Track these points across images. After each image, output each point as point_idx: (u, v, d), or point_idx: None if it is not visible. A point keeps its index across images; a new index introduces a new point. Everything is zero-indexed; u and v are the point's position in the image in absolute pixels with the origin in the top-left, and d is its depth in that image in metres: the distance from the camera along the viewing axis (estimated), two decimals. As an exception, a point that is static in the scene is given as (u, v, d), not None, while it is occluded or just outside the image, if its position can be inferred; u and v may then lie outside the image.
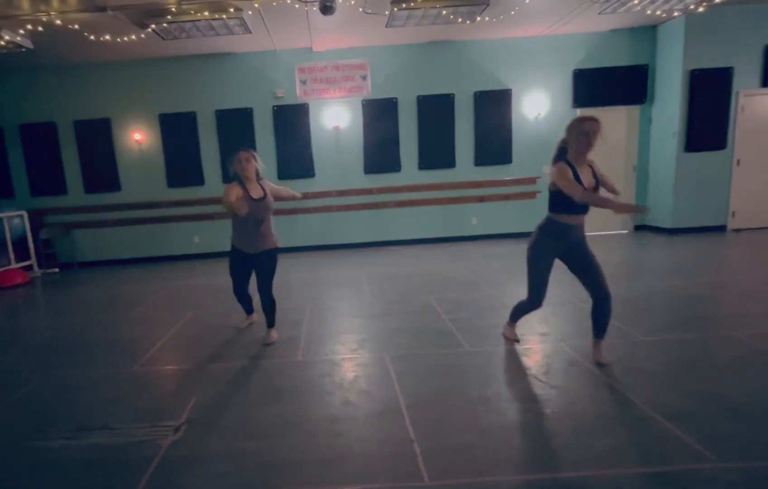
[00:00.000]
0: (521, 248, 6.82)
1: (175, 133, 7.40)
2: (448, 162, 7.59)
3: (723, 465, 1.89)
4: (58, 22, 5.24)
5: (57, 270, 7.39)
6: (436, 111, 7.44)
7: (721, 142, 7.00)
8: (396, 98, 7.39)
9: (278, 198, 3.66)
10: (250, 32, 6.12)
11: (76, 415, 2.65)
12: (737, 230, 7.23)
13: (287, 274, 5.91)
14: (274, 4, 5.27)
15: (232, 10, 5.38)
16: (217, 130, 7.41)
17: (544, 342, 3.31)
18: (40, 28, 5.40)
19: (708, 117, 6.90)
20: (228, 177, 7.50)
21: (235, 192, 3.26)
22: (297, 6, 5.34)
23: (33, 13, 5.09)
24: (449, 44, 7.28)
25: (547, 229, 2.89)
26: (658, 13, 6.32)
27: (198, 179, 7.52)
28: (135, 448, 2.26)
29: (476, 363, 3.03)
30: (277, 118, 7.37)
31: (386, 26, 6.23)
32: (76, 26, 5.44)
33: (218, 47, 6.86)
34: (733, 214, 7.26)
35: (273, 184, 3.65)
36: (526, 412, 2.39)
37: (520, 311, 3.23)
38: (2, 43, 5.63)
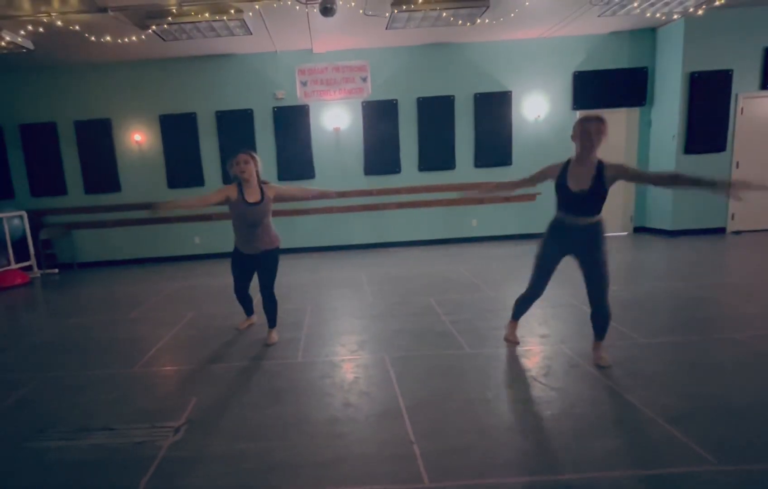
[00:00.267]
0: (521, 250, 6.89)
1: (176, 134, 7.41)
2: (448, 164, 7.60)
3: (722, 467, 1.89)
4: (59, 23, 5.24)
5: (57, 270, 7.38)
6: (436, 113, 7.45)
7: (721, 144, 7.02)
8: (396, 100, 7.41)
9: (293, 199, 3.67)
10: (251, 33, 6.13)
11: (76, 415, 2.65)
12: (737, 232, 7.25)
13: (287, 275, 5.91)
14: (275, 5, 5.29)
15: (232, 11, 5.39)
16: (218, 131, 7.42)
17: (545, 344, 3.32)
18: (40, 29, 5.41)
19: (707, 119, 6.91)
20: (228, 178, 7.49)
21: (224, 193, 3.31)
22: (297, 7, 5.35)
23: (34, 14, 5.10)
24: (449, 46, 7.30)
25: (550, 223, 2.98)
26: (658, 15, 6.33)
27: (198, 180, 7.52)
28: (135, 449, 2.26)
29: (476, 364, 3.03)
30: (278, 120, 7.38)
31: (386, 28, 6.24)
32: (77, 27, 5.45)
33: (219, 48, 6.87)
34: (733, 217, 7.27)
35: (283, 187, 3.65)
36: (526, 413, 2.40)
37: (520, 304, 3.25)
38: (3, 43, 5.63)
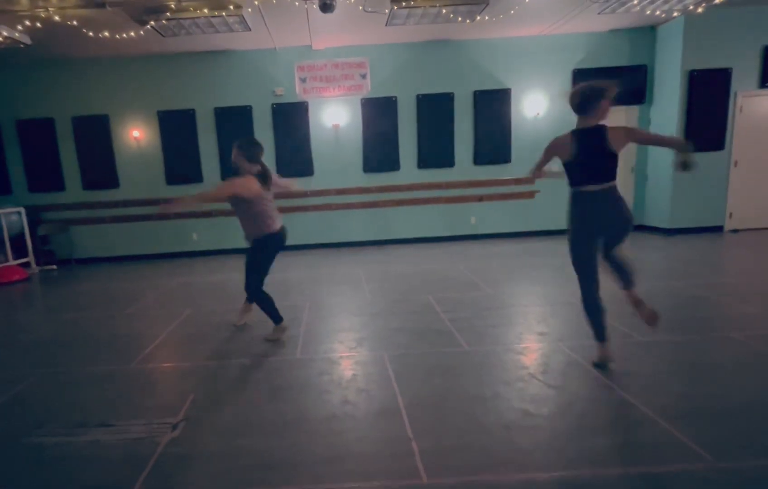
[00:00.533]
0: (520, 248, 6.91)
1: (174, 131, 7.38)
2: (448, 161, 7.59)
3: (719, 465, 1.90)
4: (57, 17, 5.21)
5: (54, 267, 7.36)
6: (435, 110, 7.44)
7: (719, 142, 7.02)
8: (395, 97, 7.39)
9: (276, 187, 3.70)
10: (250, 30, 6.11)
11: (73, 412, 2.64)
12: (734, 231, 7.26)
13: (286, 272, 5.90)
14: (274, 1, 5.26)
15: (231, 7, 5.36)
16: (216, 127, 7.40)
17: (543, 342, 3.32)
18: (38, 24, 5.39)
19: (706, 117, 6.92)
20: (226, 175, 7.44)
21: (250, 181, 3.31)
22: (297, 3, 5.33)
23: (31, 9, 5.06)
24: (449, 43, 7.28)
25: (570, 205, 2.78)
26: (658, 13, 6.33)
27: (197, 176, 7.51)
28: (132, 446, 2.26)
29: (474, 362, 3.03)
30: (277, 116, 7.36)
31: (386, 25, 6.22)
32: (75, 22, 5.42)
33: (218, 45, 6.84)
34: (731, 215, 7.28)
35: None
36: (523, 411, 2.40)
37: (592, 318, 2.84)
38: (0, 38, 5.60)
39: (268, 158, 7.37)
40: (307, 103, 7.36)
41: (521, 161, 7.60)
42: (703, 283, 4.58)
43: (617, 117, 7.53)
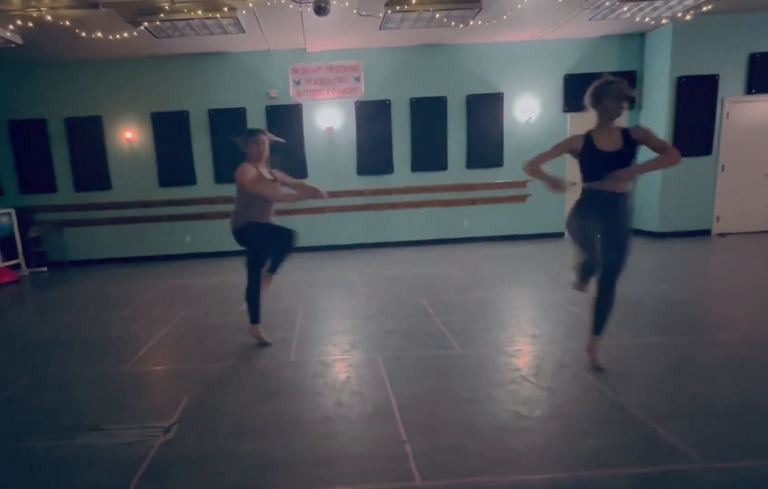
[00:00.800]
0: (513, 251, 6.96)
1: (168, 132, 7.36)
2: (441, 164, 7.64)
3: (707, 465, 1.94)
4: (49, 17, 5.18)
5: (45, 269, 7.29)
6: (428, 113, 7.49)
7: (707, 147, 7.15)
8: (389, 100, 7.43)
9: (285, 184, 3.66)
10: (244, 32, 6.11)
11: (65, 415, 2.62)
12: (722, 235, 7.38)
13: (280, 276, 5.88)
14: (268, 3, 5.27)
15: (225, 9, 5.36)
16: (210, 129, 7.38)
17: (535, 344, 3.36)
18: (30, 24, 5.34)
19: (694, 123, 7.04)
20: (220, 177, 7.41)
21: (252, 169, 3.34)
22: (291, 6, 5.34)
23: (23, 9, 5.03)
24: (442, 47, 7.33)
25: (577, 201, 2.80)
26: (647, 20, 6.43)
27: (190, 179, 7.48)
28: (125, 449, 2.25)
29: (467, 364, 3.06)
30: (271, 119, 7.35)
31: (380, 28, 6.26)
32: (68, 22, 5.38)
33: (212, 46, 6.83)
34: (718, 219, 7.40)
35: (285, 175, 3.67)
36: (516, 413, 2.43)
37: (595, 317, 2.85)
38: (-9, 38, 5.55)
39: (262, 160, 7.35)
40: (301, 105, 7.37)
41: (513, 165, 7.66)
42: (691, 286, 4.65)
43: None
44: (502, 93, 7.49)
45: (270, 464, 2.09)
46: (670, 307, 4.07)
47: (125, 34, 5.92)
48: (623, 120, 2.71)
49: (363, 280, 5.57)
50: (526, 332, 3.61)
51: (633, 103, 2.48)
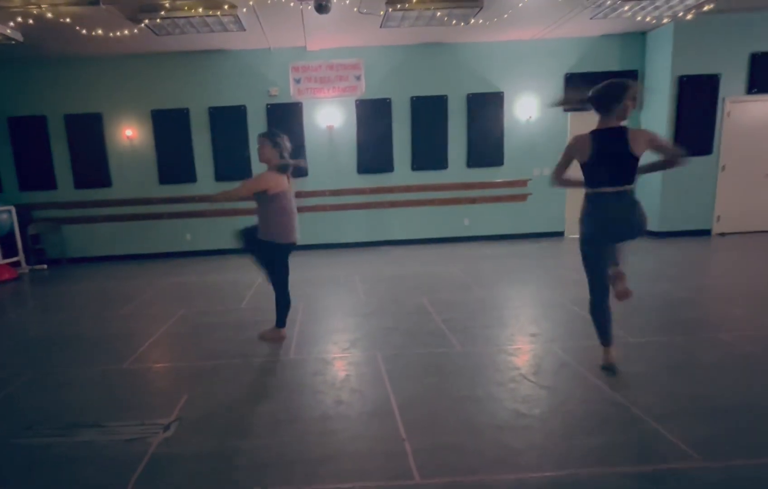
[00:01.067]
0: (513, 250, 6.96)
1: (168, 130, 7.35)
2: (441, 163, 7.63)
3: (707, 464, 1.94)
4: (49, 14, 5.17)
5: (45, 266, 7.29)
6: (429, 112, 7.48)
7: (707, 147, 7.13)
8: (390, 99, 7.42)
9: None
10: (245, 30, 6.10)
11: (65, 412, 2.63)
12: (722, 234, 7.38)
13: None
14: (269, 1, 5.26)
15: (226, 7, 5.35)
16: (210, 127, 7.37)
17: (535, 343, 3.36)
18: (30, 21, 5.33)
19: (695, 122, 7.02)
20: (220, 175, 7.39)
21: (277, 176, 3.27)
22: (292, 4, 5.33)
23: (23, 6, 5.02)
24: (443, 46, 7.32)
25: (585, 207, 2.71)
26: (648, 19, 6.42)
27: (190, 176, 7.47)
28: (124, 446, 2.25)
29: (467, 363, 3.06)
30: (271, 117, 7.34)
31: (381, 27, 6.25)
32: (68, 19, 5.37)
33: (212, 44, 6.82)
34: (718, 219, 7.40)
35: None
36: (515, 411, 2.43)
37: (597, 321, 2.82)
38: (-9, 35, 5.55)
39: (262, 159, 7.34)
40: (301, 104, 7.36)
41: (513, 164, 7.66)
42: (690, 285, 4.65)
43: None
44: (503, 92, 7.48)
45: (269, 462, 2.09)
46: (670, 306, 4.07)
47: (126, 32, 5.91)
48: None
49: (363, 278, 5.57)
50: (526, 331, 3.61)
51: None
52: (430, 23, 6.13)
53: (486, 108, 7.49)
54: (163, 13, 5.34)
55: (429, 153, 7.60)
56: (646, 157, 2.57)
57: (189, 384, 2.92)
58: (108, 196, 7.51)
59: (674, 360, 2.97)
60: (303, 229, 8.27)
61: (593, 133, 2.62)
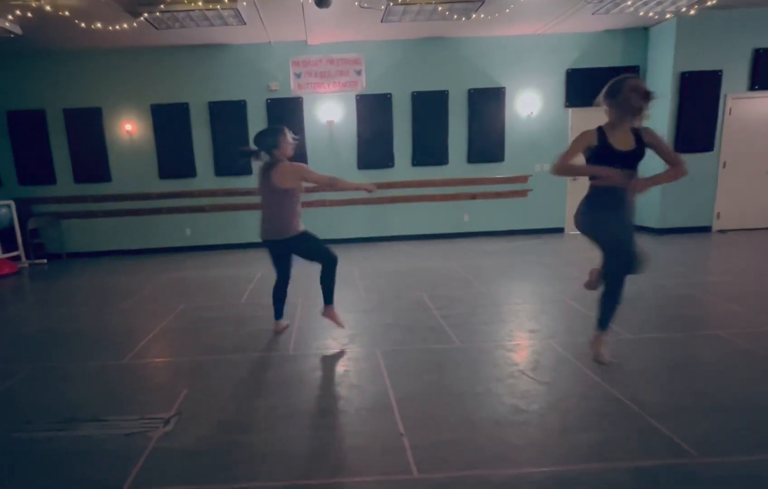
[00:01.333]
0: (513, 246, 6.95)
1: (167, 124, 7.33)
2: (442, 159, 7.61)
3: (703, 460, 1.94)
4: (48, 7, 5.15)
5: (45, 261, 7.29)
6: (430, 107, 7.46)
7: (709, 144, 7.12)
8: (390, 94, 7.39)
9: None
10: (245, 23, 6.07)
11: (64, 407, 2.63)
12: (722, 231, 7.37)
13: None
14: (269, -5, 5.24)
15: (226, 0, 5.33)
16: (210, 122, 7.36)
17: (534, 339, 3.36)
18: (29, 14, 5.31)
19: (696, 119, 7.00)
20: (220, 170, 7.38)
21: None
22: (292, -2, 5.31)
23: (22, -1, 5.00)
24: (444, 41, 7.29)
25: (595, 200, 2.75)
26: (651, 14, 6.38)
27: (190, 171, 7.46)
28: (124, 441, 2.26)
29: (466, 359, 3.06)
30: (271, 112, 7.33)
31: (382, 21, 6.22)
32: (67, 13, 5.35)
33: (212, 38, 6.79)
34: (719, 216, 7.39)
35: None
36: (514, 407, 2.43)
37: (602, 311, 2.85)
38: (-10, 28, 5.53)
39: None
40: (301, 98, 7.34)
41: (514, 160, 7.65)
42: (690, 282, 4.65)
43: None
44: (504, 87, 7.45)
45: (268, 456, 2.09)
46: (669, 302, 4.07)
47: (125, 25, 5.88)
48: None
49: (363, 273, 5.57)
50: (525, 327, 3.61)
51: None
52: (432, 18, 6.10)
53: (487, 103, 7.47)
54: (162, 6, 5.32)
55: (429, 148, 7.58)
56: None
57: (189, 379, 2.93)
58: (107, 191, 7.50)
59: (673, 357, 2.97)
60: (303, 224, 8.23)
61: (603, 128, 2.67)
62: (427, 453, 2.07)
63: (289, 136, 3.34)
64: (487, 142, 7.59)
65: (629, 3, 5.87)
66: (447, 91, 7.43)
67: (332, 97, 7.38)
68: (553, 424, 2.26)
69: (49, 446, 2.25)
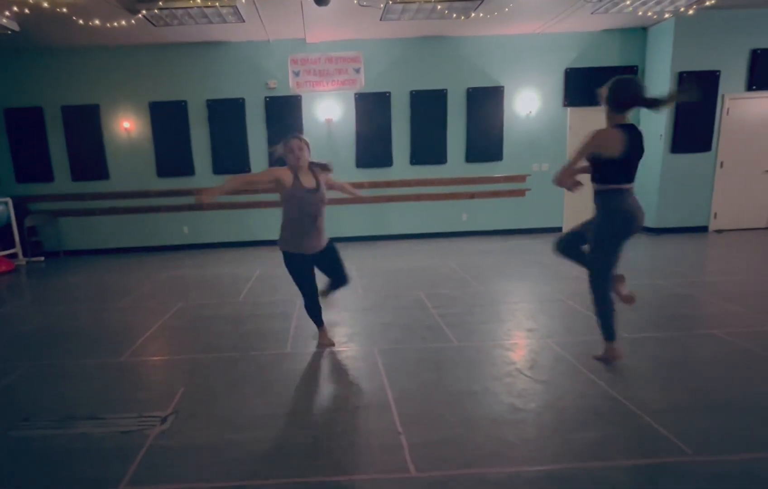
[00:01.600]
0: (510, 245, 6.96)
1: (166, 122, 7.31)
2: (440, 158, 7.61)
3: (699, 458, 1.95)
4: (45, 4, 5.12)
5: (42, 258, 7.27)
6: (428, 106, 7.45)
7: (706, 144, 7.13)
8: (389, 92, 7.39)
9: (331, 189, 3.31)
10: (243, 21, 6.06)
11: (62, 404, 2.63)
12: (719, 231, 7.39)
13: (277, 267, 5.88)
14: (268, -7, 5.22)
15: (224, -2, 5.32)
16: (209, 120, 7.34)
17: (531, 338, 3.37)
18: (26, 10, 5.28)
19: (694, 119, 7.01)
20: (218, 168, 7.39)
21: (275, 175, 2.95)
22: (291, -4, 5.30)
23: (19, -5, 4.98)
24: (443, 40, 7.28)
25: (618, 207, 2.67)
26: (650, 14, 6.39)
27: (188, 169, 7.44)
28: (122, 438, 2.26)
29: (464, 357, 3.07)
30: (270, 110, 7.31)
31: (381, 19, 6.21)
32: (64, 9, 5.33)
33: (210, 36, 6.77)
34: (715, 216, 7.41)
35: (329, 175, 3.28)
36: (511, 406, 2.44)
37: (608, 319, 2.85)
38: (-13, 24, 5.50)
39: (262, 153, 7.34)
40: (300, 96, 7.33)
41: (512, 159, 7.65)
42: (687, 281, 4.66)
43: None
44: (503, 86, 7.45)
45: (265, 455, 2.10)
46: (666, 302, 4.08)
47: (123, 22, 5.86)
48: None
49: (361, 272, 5.57)
50: (522, 326, 3.62)
51: None
52: (431, 16, 6.09)
53: (486, 102, 7.47)
54: (160, 3, 5.30)
55: (428, 147, 7.58)
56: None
57: (186, 377, 2.93)
58: (105, 189, 7.48)
59: (670, 356, 2.98)
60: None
61: (614, 128, 2.58)
62: (425, 451, 2.07)
63: (290, 143, 3.09)
64: (486, 142, 7.59)
65: (628, 3, 5.88)
66: (446, 90, 7.42)
67: (331, 96, 7.37)
68: (550, 423, 2.27)
69: (46, 444, 2.25)
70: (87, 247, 7.62)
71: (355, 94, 7.36)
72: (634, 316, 3.70)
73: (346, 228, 7.77)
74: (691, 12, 6.28)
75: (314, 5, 5.22)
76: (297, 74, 7.27)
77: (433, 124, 7.51)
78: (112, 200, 7.52)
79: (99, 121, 7.26)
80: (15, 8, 5.25)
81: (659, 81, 7.13)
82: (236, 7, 5.48)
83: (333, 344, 3.33)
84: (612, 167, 2.61)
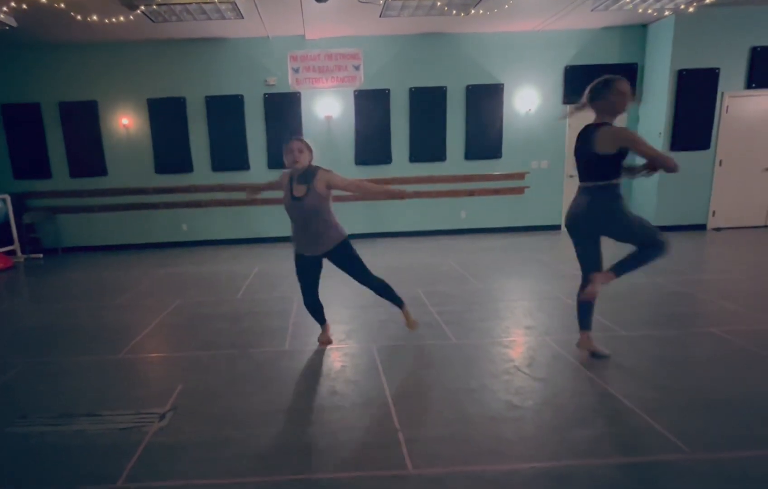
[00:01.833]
0: (509, 243, 6.96)
1: (164, 119, 7.29)
2: (439, 155, 7.60)
3: (695, 456, 1.96)
4: (43, 0, 5.09)
5: (41, 255, 7.26)
6: (428, 103, 7.44)
7: (705, 142, 7.13)
8: (388, 89, 7.37)
9: (353, 191, 3.28)
10: (242, 17, 6.03)
11: (60, 401, 2.63)
12: (717, 229, 7.40)
13: (276, 264, 5.89)
14: (266, -11, 5.20)
15: (223, -6, 5.29)
16: (207, 116, 7.32)
17: (529, 335, 3.37)
18: (24, 6, 5.26)
19: (693, 117, 7.01)
20: (217, 165, 7.38)
21: (283, 178, 3.07)
22: (289, -8, 5.28)
23: (16, -9, 4.95)
24: (443, 36, 7.26)
25: (620, 197, 2.83)
26: (650, 11, 6.38)
27: (187, 166, 7.43)
28: (119, 435, 2.26)
29: (462, 355, 3.07)
30: (269, 107, 7.30)
31: (380, 16, 6.19)
32: (62, 5, 5.30)
33: (209, 32, 6.75)
34: (714, 214, 7.41)
35: (340, 177, 3.18)
36: (509, 403, 2.44)
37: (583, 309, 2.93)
38: (-16, 20, 5.47)
39: (260, 150, 7.32)
40: (299, 93, 7.31)
41: (512, 157, 7.65)
42: (685, 279, 4.67)
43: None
44: (503, 84, 7.44)
45: (263, 452, 2.10)
46: (664, 300, 4.09)
47: (121, 18, 5.83)
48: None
49: (360, 270, 5.56)
50: (521, 323, 3.62)
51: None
52: (430, 13, 6.07)
53: (485, 100, 7.45)
54: (159, -1, 5.28)
55: (427, 145, 7.57)
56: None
57: (184, 374, 2.93)
58: (103, 186, 7.46)
59: (667, 354, 2.99)
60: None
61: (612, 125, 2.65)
62: (422, 448, 2.08)
63: (291, 144, 3.12)
64: (485, 139, 7.58)
65: (628, 0, 5.86)
66: (445, 87, 7.41)
67: (330, 93, 7.35)
68: (548, 421, 2.27)
69: (44, 441, 2.25)
70: (85, 243, 7.61)
71: (355, 91, 7.34)
72: (631, 314, 3.71)
73: (345, 225, 7.69)
74: (691, 9, 6.27)
75: (314, 2, 5.21)
76: (296, 71, 7.25)
77: (433, 121, 7.49)
78: (110, 197, 7.51)
79: (97, 118, 7.24)
80: (13, 4, 5.22)
81: (659, 78, 7.12)
82: (235, 3, 5.46)
83: (330, 342, 3.34)
84: (623, 160, 2.75)
